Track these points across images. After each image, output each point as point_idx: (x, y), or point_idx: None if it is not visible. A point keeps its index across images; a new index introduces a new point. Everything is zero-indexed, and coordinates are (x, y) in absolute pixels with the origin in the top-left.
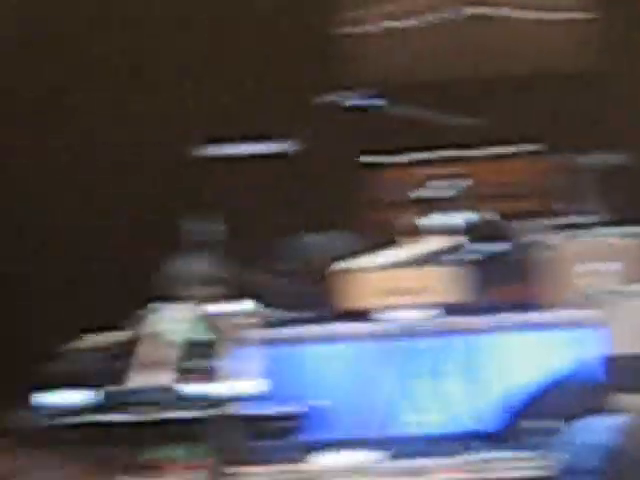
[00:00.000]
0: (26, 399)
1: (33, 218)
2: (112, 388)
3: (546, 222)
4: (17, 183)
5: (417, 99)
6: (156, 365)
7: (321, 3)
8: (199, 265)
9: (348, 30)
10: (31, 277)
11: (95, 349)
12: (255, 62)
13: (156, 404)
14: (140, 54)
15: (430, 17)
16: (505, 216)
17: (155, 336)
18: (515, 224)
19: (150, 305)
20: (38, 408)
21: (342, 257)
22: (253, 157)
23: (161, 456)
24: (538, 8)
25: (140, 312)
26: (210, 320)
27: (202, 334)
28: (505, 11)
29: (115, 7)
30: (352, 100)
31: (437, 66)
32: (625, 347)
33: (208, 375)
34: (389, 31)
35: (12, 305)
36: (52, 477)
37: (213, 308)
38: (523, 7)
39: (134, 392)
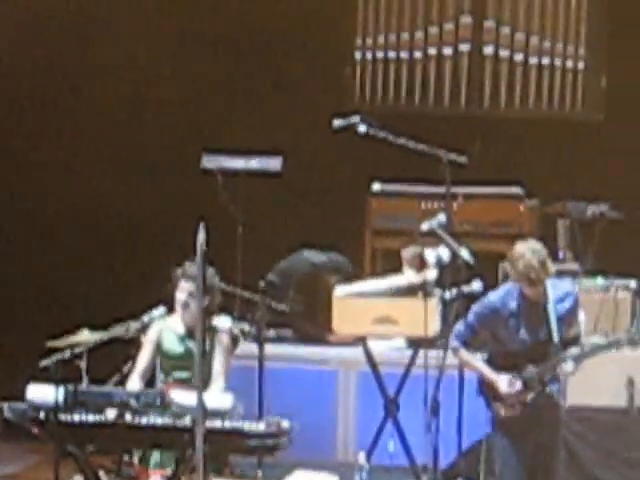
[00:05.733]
0: (15, 392)
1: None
2: (93, 388)
3: None
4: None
5: (415, 130)
6: (147, 372)
7: (333, 26)
8: (199, 275)
9: (357, 56)
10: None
11: (86, 347)
12: (263, 78)
13: (138, 408)
14: (147, 67)
15: (435, 50)
16: (486, 256)
17: (150, 343)
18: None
19: (151, 311)
20: (23, 402)
21: (333, 281)
22: (255, 173)
23: (135, 460)
24: (542, 53)
25: (141, 317)
26: (201, 331)
27: (191, 348)
28: (508, 53)
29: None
30: (355, 126)
31: (436, 99)
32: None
33: (192, 385)
34: (394, 61)
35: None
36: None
37: (211, 320)
38: (527, 51)
39: (116, 394)
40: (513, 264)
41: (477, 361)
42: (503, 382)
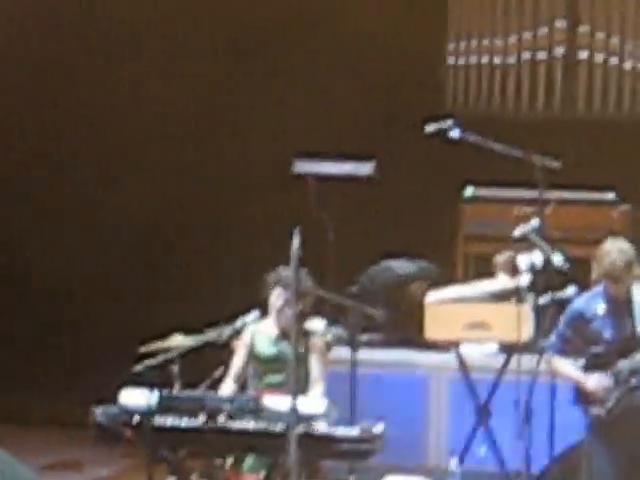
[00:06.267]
0: (108, 396)
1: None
2: (187, 393)
3: None
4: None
5: (508, 135)
6: (241, 376)
7: (426, 31)
8: (294, 280)
9: (450, 61)
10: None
11: (180, 352)
12: (355, 83)
13: (231, 413)
14: (242, 74)
15: (529, 55)
16: (579, 261)
17: (244, 347)
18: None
19: (244, 316)
20: (116, 406)
21: (424, 286)
22: (347, 178)
23: (227, 464)
24: (637, 58)
25: (234, 322)
26: (296, 336)
27: (284, 351)
28: (602, 57)
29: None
30: (448, 130)
31: (530, 104)
32: None
33: (287, 390)
34: (487, 66)
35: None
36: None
37: (305, 324)
38: (622, 55)
39: (210, 399)
40: (599, 261)
41: (566, 365)
42: (591, 379)
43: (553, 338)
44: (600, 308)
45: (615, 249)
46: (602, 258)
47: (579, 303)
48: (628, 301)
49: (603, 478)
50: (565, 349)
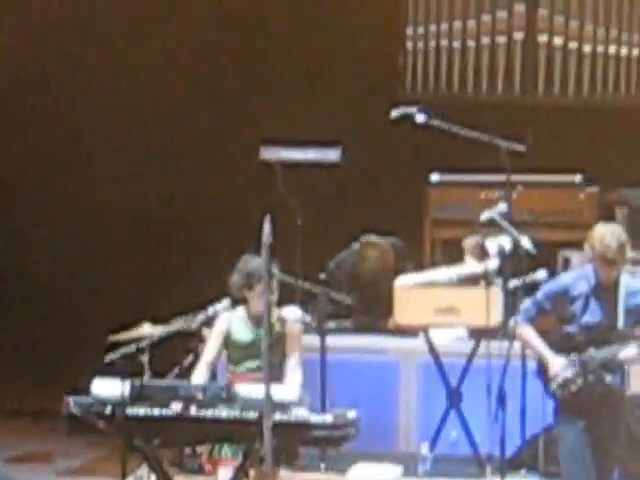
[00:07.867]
0: (79, 386)
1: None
2: (159, 382)
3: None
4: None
5: (468, 119)
6: (214, 364)
7: (384, 16)
8: (264, 267)
9: (410, 46)
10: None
11: (151, 340)
12: (316, 70)
13: (204, 402)
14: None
15: (488, 39)
16: (546, 244)
17: (219, 334)
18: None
19: (217, 303)
20: (86, 396)
21: (393, 271)
22: (314, 164)
23: (204, 452)
24: (596, 41)
25: (207, 309)
26: (269, 323)
27: (260, 336)
28: (562, 41)
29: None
30: (414, 115)
31: (489, 88)
32: None
33: (259, 377)
34: (446, 50)
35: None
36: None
37: (272, 312)
38: (581, 38)
39: (182, 387)
40: (592, 243)
41: (536, 339)
42: (557, 363)
43: (528, 305)
44: (587, 289)
45: (608, 232)
46: (595, 240)
47: (566, 279)
48: (615, 289)
49: (572, 460)
50: (537, 320)
